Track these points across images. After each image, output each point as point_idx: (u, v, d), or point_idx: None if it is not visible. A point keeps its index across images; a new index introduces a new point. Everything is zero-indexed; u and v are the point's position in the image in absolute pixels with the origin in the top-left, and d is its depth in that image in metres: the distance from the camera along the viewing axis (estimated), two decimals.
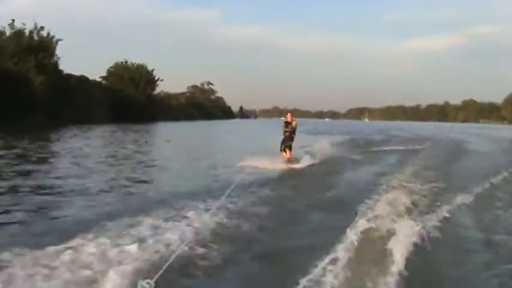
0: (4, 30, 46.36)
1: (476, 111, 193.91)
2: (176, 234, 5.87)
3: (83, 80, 55.99)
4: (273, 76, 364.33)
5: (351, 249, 5.64)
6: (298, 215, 8.12)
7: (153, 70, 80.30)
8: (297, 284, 4.55)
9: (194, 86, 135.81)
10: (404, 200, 8.75)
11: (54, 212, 7.91)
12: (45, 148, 20.55)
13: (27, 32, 47.44)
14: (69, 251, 5.04)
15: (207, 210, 7.21)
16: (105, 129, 38.39)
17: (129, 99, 64.90)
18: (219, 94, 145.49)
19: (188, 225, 6.41)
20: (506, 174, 13.51)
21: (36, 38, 47.90)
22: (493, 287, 5.10)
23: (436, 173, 13.44)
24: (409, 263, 5.29)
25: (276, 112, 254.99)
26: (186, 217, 6.85)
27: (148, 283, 1.87)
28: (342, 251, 5.52)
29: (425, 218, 7.51)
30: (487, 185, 11.38)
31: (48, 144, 23.69)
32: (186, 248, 5.08)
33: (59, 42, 50.50)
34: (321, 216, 8.14)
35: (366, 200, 8.87)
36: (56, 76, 47.46)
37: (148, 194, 10.04)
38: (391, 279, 4.80)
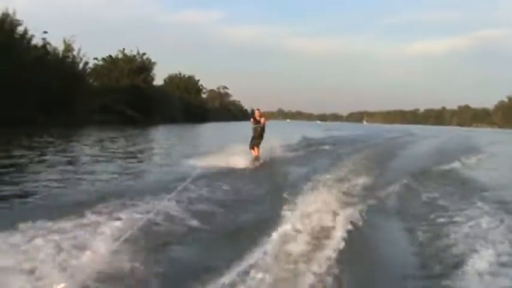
0: (117, 55, 63.92)
1: (470, 116, 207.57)
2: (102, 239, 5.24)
3: (166, 91, 73.84)
4: (278, 79, 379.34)
5: (282, 242, 5.60)
6: (240, 206, 8.38)
7: (198, 80, 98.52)
8: (225, 272, 4.53)
9: (211, 90, 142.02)
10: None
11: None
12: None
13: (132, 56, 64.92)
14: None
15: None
16: (202, 126, 55.32)
17: (192, 105, 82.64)
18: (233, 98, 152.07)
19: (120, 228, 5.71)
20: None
21: (139, 60, 65.24)
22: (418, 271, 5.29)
23: None
24: (342, 249, 5.40)
25: (280, 115, 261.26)
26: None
27: None
28: (271, 245, 5.45)
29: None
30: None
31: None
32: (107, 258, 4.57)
33: None
34: (259, 209, 8.34)
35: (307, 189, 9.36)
36: (154, 89, 64.99)
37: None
38: (321, 270, 4.78)
